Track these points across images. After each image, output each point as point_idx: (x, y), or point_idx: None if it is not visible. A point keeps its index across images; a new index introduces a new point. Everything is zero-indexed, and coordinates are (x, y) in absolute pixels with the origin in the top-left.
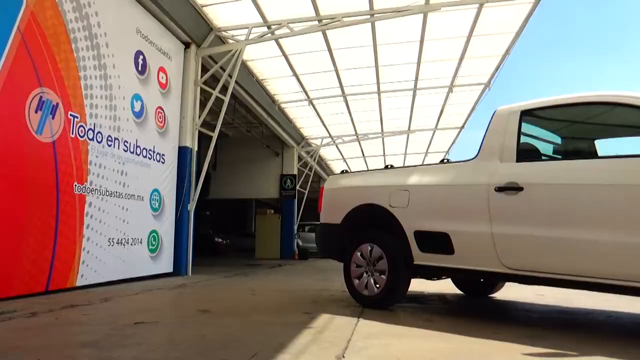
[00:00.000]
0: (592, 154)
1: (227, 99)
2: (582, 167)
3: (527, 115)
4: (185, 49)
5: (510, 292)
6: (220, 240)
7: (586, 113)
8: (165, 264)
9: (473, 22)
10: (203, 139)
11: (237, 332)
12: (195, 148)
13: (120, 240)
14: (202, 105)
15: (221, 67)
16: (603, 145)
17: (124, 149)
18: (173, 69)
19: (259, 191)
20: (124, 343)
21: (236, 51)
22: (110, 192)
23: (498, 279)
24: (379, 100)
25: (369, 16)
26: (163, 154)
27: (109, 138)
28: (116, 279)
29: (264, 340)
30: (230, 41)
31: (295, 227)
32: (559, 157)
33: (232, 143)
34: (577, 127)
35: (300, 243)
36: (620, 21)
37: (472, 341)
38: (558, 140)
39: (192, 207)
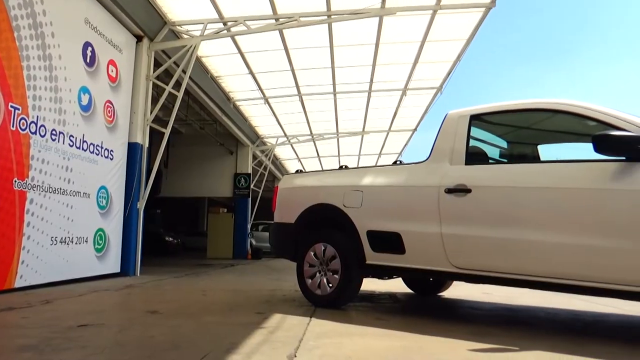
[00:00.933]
0: (535, 158)
1: (180, 95)
2: (526, 171)
3: (476, 119)
4: (137, 42)
5: (458, 290)
6: (171, 239)
7: (530, 119)
8: (113, 264)
9: (427, 27)
10: (155, 136)
11: (187, 333)
12: (146, 144)
13: (64, 239)
14: (154, 100)
15: (175, 63)
16: (545, 150)
17: (69, 144)
18: (124, 62)
19: (212, 190)
20: (67, 346)
21: (190, 47)
22: (53, 189)
23: (447, 278)
24: (335, 101)
25: (326, 17)
26: (112, 150)
27: (53, 132)
28: (59, 280)
29: (215, 340)
30: (185, 36)
31: (249, 227)
32: (505, 160)
33: (185, 140)
34: (522, 132)
35: (254, 242)
36: (565, 33)
37: (422, 338)
38: (504, 144)
39: (141, 205)
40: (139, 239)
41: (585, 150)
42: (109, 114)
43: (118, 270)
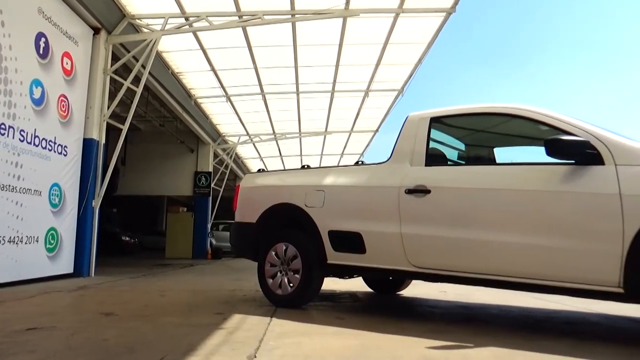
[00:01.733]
0: (491, 161)
1: (139, 90)
2: (482, 173)
3: (436, 122)
4: (94, 34)
5: (416, 289)
6: (127, 239)
7: (487, 122)
8: (65, 264)
9: (389, 30)
10: (112, 132)
11: (143, 335)
12: (103, 141)
13: (12, 238)
14: (112, 95)
15: (134, 57)
16: (501, 153)
17: (19, 139)
18: (80, 55)
19: (171, 188)
20: (14, 351)
21: (151, 41)
22: (2, 186)
23: (406, 277)
24: (298, 100)
25: (290, 16)
26: (65, 146)
27: (2, 126)
28: (8, 281)
29: (173, 342)
30: (145, 30)
31: (209, 226)
32: (463, 162)
33: (144, 137)
34: (479, 135)
35: (214, 242)
36: (523, 40)
37: (381, 337)
38: (462, 146)
39: (97, 203)
40: (93, 239)
41: (538, 153)
42: (63, 109)
43: (71, 270)
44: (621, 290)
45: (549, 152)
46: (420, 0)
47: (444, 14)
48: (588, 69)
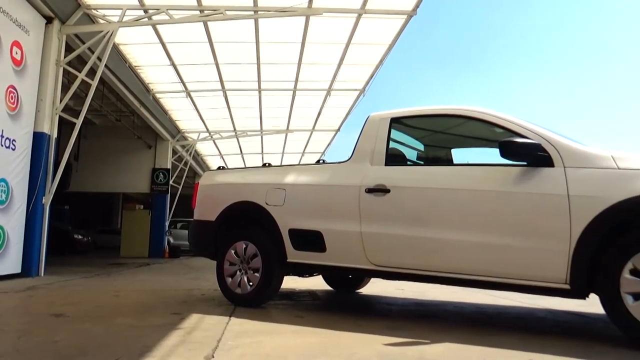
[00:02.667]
0: (449, 161)
1: (94, 83)
2: (440, 173)
3: (396, 122)
4: (46, 24)
5: (374, 287)
6: (80, 237)
7: (445, 124)
8: (12, 263)
9: (352, 30)
10: (65, 126)
11: (96, 337)
12: (55, 135)
13: None
14: (65, 88)
15: (89, 49)
16: (458, 154)
17: None
18: (31, 45)
19: (127, 185)
20: None
21: (107, 32)
22: None
23: (365, 275)
24: (259, 97)
25: (252, 12)
26: (14, 140)
27: None
28: None
29: (128, 344)
30: (101, 21)
31: (167, 224)
32: (422, 162)
33: (99, 132)
34: (438, 136)
35: (172, 240)
36: (482, 43)
37: (340, 334)
38: (421, 147)
39: (47, 200)
40: (43, 237)
41: (493, 155)
42: (12, 100)
43: (19, 270)
44: (568, 287)
45: (503, 154)
46: (382, 1)
47: (405, 16)
48: (545, 72)
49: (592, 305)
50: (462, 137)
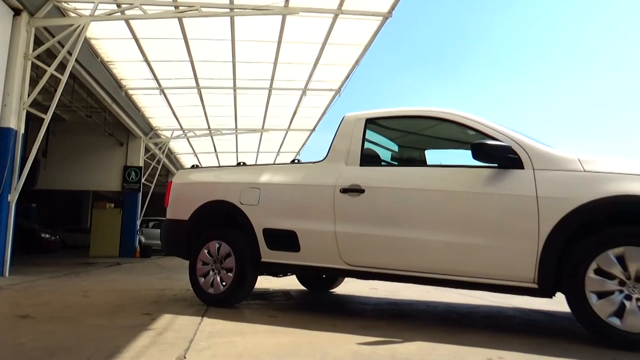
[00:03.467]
0: (422, 162)
1: (64, 78)
2: (413, 174)
3: (371, 123)
4: (14, 15)
5: (348, 286)
6: (48, 236)
7: (419, 125)
8: None
9: (328, 30)
10: (33, 122)
11: (64, 339)
12: (22, 130)
13: None
14: (34, 82)
15: (59, 42)
16: (431, 155)
17: None
18: None
19: (98, 183)
20: None
21: (78, 26)
22: None
23: (339, 275)
24: (235, 96)
25: (228, 10)
26: None
27: None
28: None
29: (97, 345)
30: (72, 14)
31: (138, 223)
32: (396, 163)
33: (69, 128)
34: (412, 137)
35: (143, 240)
36: (457, 46)
37: (313, 334)
38: (396, 148)
39: (13, 198)
40: (8, 236)
41: (465, 156)
42: None
43: None
44: (536, 286)
45: (474, 156)
46: (358, 2)
47: (381, 17)
48: (519, 75)
49: (558, 303)
50: (436, 138)
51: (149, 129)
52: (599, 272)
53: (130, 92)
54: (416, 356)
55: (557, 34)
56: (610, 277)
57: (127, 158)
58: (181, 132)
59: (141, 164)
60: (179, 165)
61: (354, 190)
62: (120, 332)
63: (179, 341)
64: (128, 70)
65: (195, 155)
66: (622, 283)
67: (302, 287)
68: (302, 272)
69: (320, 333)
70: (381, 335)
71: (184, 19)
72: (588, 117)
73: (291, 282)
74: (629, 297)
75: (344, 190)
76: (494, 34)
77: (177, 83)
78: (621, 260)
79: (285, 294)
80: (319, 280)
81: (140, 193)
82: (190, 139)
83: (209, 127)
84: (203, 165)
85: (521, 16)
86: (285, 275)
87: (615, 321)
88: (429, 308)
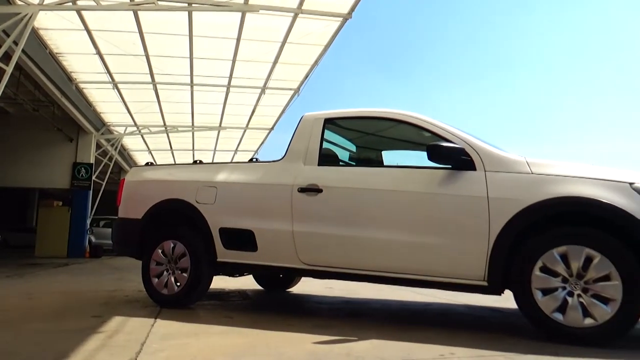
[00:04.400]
0: (379, 163)
1: (9, 69)
2: (370, 174)
3: (330, 123)
4: None
5: (305, 286)
6: None
7: (377, 126)
8: None
9: (288, 29)
10: None
11: (4, 344)
12: None
13: None
14: None
15: (4, 31)
16: (388, 156)
17: None
18: None
19: (45, 180)
20: None
21: (25, 15)
22: None
23: (296, 275)
24: (192, 92)
25: (186, 4)
26: None
27: None
28: None
29: (41, 350)
30: (19, 2)
31: (89, 222)
32: (353, 163)
33: (13, 122)
34: (369, 138)
35: (93, 239)
36: (415, 50)
37: (269, 334)
38: (353, 148)
39: None
40: None
41: (421, 157)
42: None
43: None
44: (485, 284)
45: (429, 157)
46: (319, 3)
47: (341, 19)
48: (471, 78)
49: (506, 300)
50: (393, 139)
51: (101, 125)
52: (544, 269)
53: (82, 85)
54: (370, 354)
55: (510, 38)
56: (555, 274)
57: (77, 154)
58: (135, 128)
59: (92, 160)
60: (132, 163)
61: (312, 189)
62: (67, 336)
63: (131, 344)
64: (79, 63)
65: (150, 153)
66: (565, 280)
67: (259, 287)
68: (259, 272)
69: (276, 333)
70: (337, 333)
71: (139, 12)
72: (538, 120)
73: (247, 282)
74: (571, 294)
75: (302, 190)
76: (447, 37)
77: (132, 78)
78: (564, 258)
79: (242, 294)
80: (276, 279)
81: (91, 191)
82: (144, 136)
83: (164, 124)
84: (158, 163)
85: (475, 19)
86: (241, 275)
87: (559, 316)
88: (384, 306)
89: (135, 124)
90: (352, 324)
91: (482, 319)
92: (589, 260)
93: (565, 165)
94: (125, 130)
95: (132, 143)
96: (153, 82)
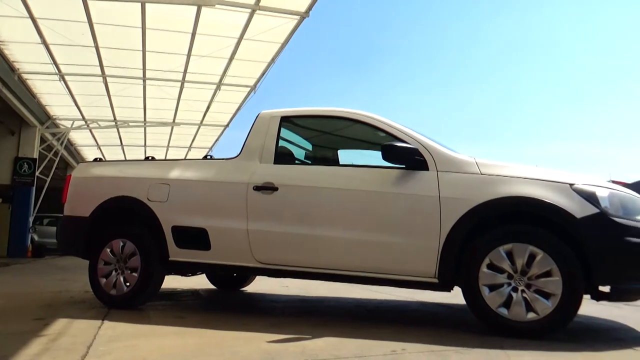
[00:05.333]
0: (335, 162)
1: None
2: (326, 173)
3: (286, 121)
4: None
5: (259, 285)
6: None
7: (333, 125)
8: None
9: (245, 25)
10: None
11: None
12: None
13: None
14: None
15: None
16: (344, 155)
17: None
18: None
19: None
20: None
21: None
22: None
23: (251, 273)
24: (144, 87)
25: None
26: None
27: None
28: None
29: None
30: None
31: (31, 220)
32: (309, 162)
33: None
34: (326, 137)
35: (36, 238)
36: (371, 50)
37: (222, 334)
38: (310, 147)
39: None
40: None
41: (375, 157)
42: None
43: None
44: (436, 281)
45: (384, 157)
46: (277, 0)
47: (298, 17)
48: (427, 80)
49: (455, 297)
50: (349, 138)
51: (45, 118)
52: (491, 267)
53: (25, 76)
54: (325, 351)
55: (468, 40)
56: (501, 271)
57: (20, 148)
58: (83, 122)
59: (36, 155)
60: (79, 158)
61: (268, 188)
62: (7, 341)
63: (76, 347)
64: (22, 52)
65: (99, 148)
66: (510, 276)
67: (212, 286)
68: (212, 271)
69: (230, 332)
70: (291, 332)
71: (89, 1)
72: (485, 121)
73: (201, 282)
74: (515, 289)
75: (257, 188)
76: (408, 40)
77: (80, 70)
78: (510, 255)
79: (194, 293)
80: (230, 278)
81: (34, 187)
82: (93, 130)
83: (114, 119)
84: (107, 159)
85: (437, 22)
86: (194, 274)
87: (504, 311)
88: (339, 304)
89: (84, 118)
90: (307, 322)
91: (434, 314)
92: (532, 257)
93: (511, 167)
94: (72, 124)
95: (79, 138)
96: (103, 74)
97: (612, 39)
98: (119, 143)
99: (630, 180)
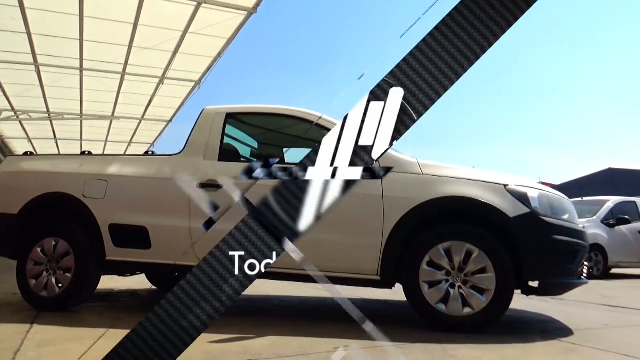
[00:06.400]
0: (281, 161)
1: None
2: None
3: (232, 118)
4: None
5: None
6: None
7: (279, 123)
8: None
9: (190, 18)
10: None
11: None
12: None
13: None
14: None
15: None
16: (290, 153)
17: None
18: None
19: None
20: None
21: None
22: None
23: None
24: (81, 78)
25: None
26: None
27: None
28: None
29: None
30: None
31: None
32: (255, 160)
33: None
34: (272, 135)
35: None
36: (323, 48)
37: None
38: (255, 144)
39: None
40: None
41: None
42: None
43: None
44: (378, 278)
45: None
46: None
47: (246, 12)
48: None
49: (396, 293)
50: (294, 137)
51: None
52: (431, 264)
53: None
54: (268, 350)
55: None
56: (440, 268)
57: None
58: (12, 113)
59: None
60: (7, 152)
61: (211, 185)
62: None
63: (2, 353)
64: None
65: (30, 142)
66: (448, 273)
67: (152, 287)
68: (152, 270)
69: None
70: (234, 332)
71: None
72: (426, 123)
73: (140, 282)
74: (452, 286)
75: (201, 186)
76: (357, 39)
77: (9, 57)
78: (448, 253)
79: (133, 294)
80: (171, 278)
81: None
82: (23, 122)
83: (48, 110)
84: (39, 153)
85: (382, 20)
86: (133, 274)
87: (442, 307)
88: (283, 303)
89: (13, 109)
90: (251, 322)
91: (376, 311)
92: (469, 254)
93: (451, 168)
94: (0, 115)
95: (8, 130)
96: (35, 63)
97: (544, 46)
98: (53, 136)
99: (557, 182)
